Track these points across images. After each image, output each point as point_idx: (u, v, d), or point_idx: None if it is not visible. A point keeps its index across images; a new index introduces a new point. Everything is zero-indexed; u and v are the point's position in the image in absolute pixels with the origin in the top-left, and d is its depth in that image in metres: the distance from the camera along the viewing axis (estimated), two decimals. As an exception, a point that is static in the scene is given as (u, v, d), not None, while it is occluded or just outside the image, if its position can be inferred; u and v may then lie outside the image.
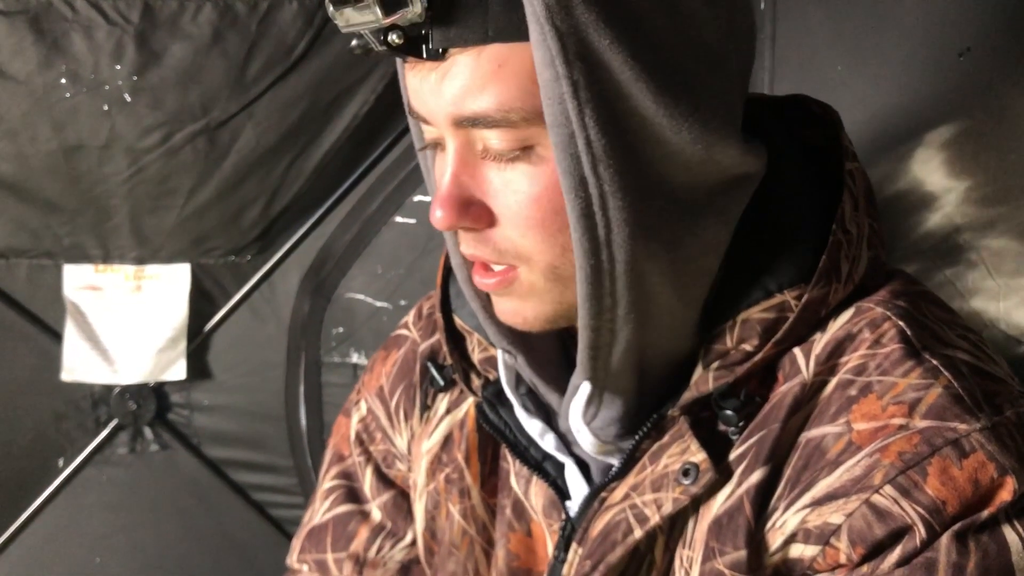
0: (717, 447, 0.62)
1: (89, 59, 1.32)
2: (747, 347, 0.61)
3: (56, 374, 1.58)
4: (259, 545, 1.70)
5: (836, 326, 0.62)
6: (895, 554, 0.54)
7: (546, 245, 0.59)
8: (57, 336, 1.57)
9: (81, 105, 1.35)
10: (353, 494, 0.88)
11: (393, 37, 0.55)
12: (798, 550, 0.58)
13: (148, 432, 1.65)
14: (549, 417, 0.71)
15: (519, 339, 0.69)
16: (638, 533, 0.63)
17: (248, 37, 1.34)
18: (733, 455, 0.62)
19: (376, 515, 0.87)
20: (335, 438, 0.92)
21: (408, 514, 0.86)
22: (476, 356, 0.75)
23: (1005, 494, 0.53)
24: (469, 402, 0.77)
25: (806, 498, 0.58)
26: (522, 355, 0.69)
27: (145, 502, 1.68)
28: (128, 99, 1.35)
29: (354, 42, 0.59)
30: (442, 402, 0.81)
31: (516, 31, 0.53)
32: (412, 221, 1.54)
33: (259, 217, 1.51)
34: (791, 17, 1.20)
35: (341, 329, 1.62)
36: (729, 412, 0.61)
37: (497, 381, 0.72)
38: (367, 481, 0.88)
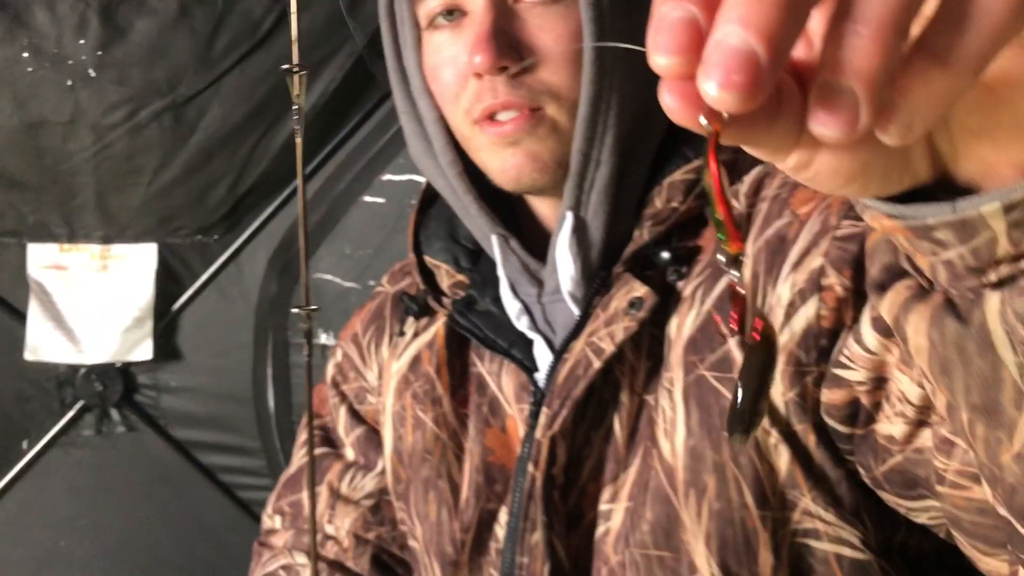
0: (659, 285, 0.70)
1: (52, 33, 1.31)
2: (674, 204, 0.71)
3: (20, 355, 1.56)
4: (227, 527, 1.69)
5: (753, 173, 0.71)
6: None
7: (575, 80, 0.67)
8: (21, 316, 1.55)
9: (44, 80, 1.33)
10: (328, 441, 0.93)
11: None
12: (802, 316, 0.61)
13: (115, 413, 1.64)
14: (526, 306, 0.78)
15: (511, 223, 0.77)
16: (596, 364, 0.69)
17: (215, 13, 1.33)
18: (688, 291, 0.69)
19: (350, 454, 0.91)
20: (314, 399, 0.96)
21: (379, 447, 0.89)
22: (445, 284, 0.82)
23: None
24: (436, 326, 0.83)
25: (786, 267, 0.63)
26: (514, 238, 0.76)
27: (111, 484, 1.67)
28: (92, 74, 1.34)
29: None
30: (411, 328, 0.86)
31: None
32: (381, 200, 1.54)
33: (226, 196, 1.50)
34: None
35: (310, 310, 1.61)
36: (665, 255, 0.70)
37: (466, 297, 0.80)
38: (341, 421, 0.92)
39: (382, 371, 0.89)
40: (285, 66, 0.63)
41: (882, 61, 0.25)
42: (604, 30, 0.65)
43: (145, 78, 1.35)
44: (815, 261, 0.61)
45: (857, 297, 0.59)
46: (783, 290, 0.62)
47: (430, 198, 0.84)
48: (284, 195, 1.55)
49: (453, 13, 0.69)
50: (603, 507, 0.70)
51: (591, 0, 0.65)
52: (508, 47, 0.66)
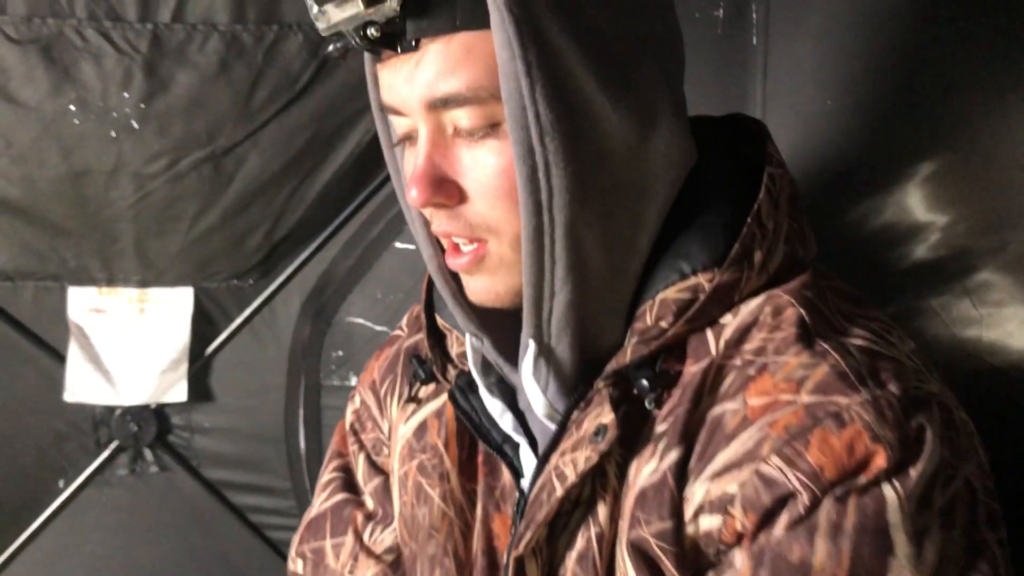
0: (631, 413, 0.67)
1: (98, 87, 1.35)
2: (663, 324, 0.67)
3: (59, 395, 1.59)
4: (256, 567, 1.71)
5: (746, 311, 0.67)
6: (783, 520, 0.59)
7: (513, 215, 0.64)
8: (60, 357, 1.59)
9: (89, 131, 1.37)
10: (350, 485, 0.93)
11: (371, 31, 0.62)
12: (707, 523, 0.62)
13: (148, 454, 1.67)
14: (511, 402, 0.76)
15: (486, 324, 0.74)
16: (559, 492, 0.67)
17: (254, 67, 1.37)
18: (658, 430, 0.66)
19: (369, 503, 0.91)
20: (336, 438, 0.97)
21: None
22: (455, 351, 0.82)
23: (880, 461, 0.57)
24: (446, 394, 0.82)
25: (708, 471, 0.62)
26: (488, 338, 0.74)
27: (144, 524, 1.69)
28: (135, 126, 1.38)
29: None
30: (422, 393, 0.86)
31: (480, 20, 0.60)
32: (412, 247, 1.56)
33: (262, 242, 1.53)
34: (781, 52, 1.23)
35: (341, 353, 1.64)
36: (644, 381, 0.66)
37: (471, 372, 0.77)
38: (360, 468, 0.92)
39: (391, 431, 0.90)
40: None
41: None
42: (535, 163, 0.61)
43: (186, 130, 1.39)
44: (731, 486, 0.61)
45: (751, 542, 0.60)
46: (698, 489, 0.63)
47: None
48: (318, 241, 1.58)
49: (411, 137, 0.68)
50: None
51: (519, 136, 0.61)
52: (442, 183, 0.65)
